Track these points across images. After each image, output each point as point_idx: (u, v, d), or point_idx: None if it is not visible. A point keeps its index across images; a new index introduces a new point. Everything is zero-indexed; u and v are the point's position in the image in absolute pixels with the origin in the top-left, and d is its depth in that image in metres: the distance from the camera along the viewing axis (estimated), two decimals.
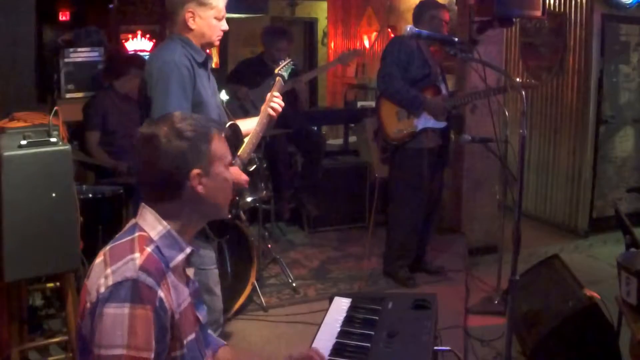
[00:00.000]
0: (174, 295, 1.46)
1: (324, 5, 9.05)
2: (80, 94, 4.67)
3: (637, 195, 5.37)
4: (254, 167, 2.86)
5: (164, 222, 1.51)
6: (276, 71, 2.72)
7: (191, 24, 2.42)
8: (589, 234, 5.28)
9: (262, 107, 2.61)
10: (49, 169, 2.39)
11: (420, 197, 4.22)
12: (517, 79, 5.47)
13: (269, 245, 4.59)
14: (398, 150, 4.22)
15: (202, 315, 1.63)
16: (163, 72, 2.34)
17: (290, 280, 4.23)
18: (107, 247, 1.48)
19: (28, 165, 2.35)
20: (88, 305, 1.40)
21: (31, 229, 2.36)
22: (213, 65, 2.70)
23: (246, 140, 2.58)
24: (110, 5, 6.75)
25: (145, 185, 1.53)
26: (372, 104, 5.80)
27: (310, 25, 9.47)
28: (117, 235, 1.52)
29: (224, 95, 4.79)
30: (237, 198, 2.49)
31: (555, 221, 5.57)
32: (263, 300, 3.91)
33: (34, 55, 3.63)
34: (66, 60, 4.67)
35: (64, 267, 2.51)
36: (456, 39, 2.55)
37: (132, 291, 1.36)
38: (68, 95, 4.68)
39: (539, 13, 3.86)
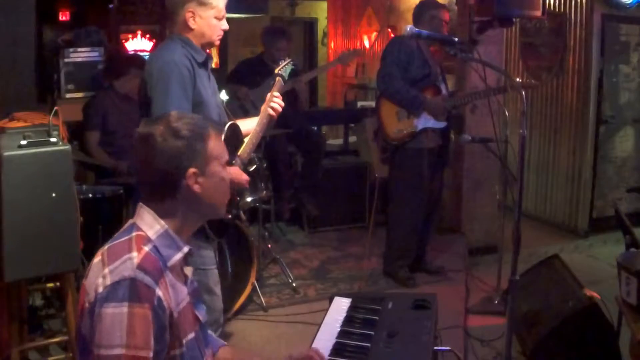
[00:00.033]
0: (172, 294, 1.46)
1: (324, 5, 9.04)
2: (80, 94, 4.68)
3: (637, 195, 5.36)
4: (254, 167, 2.85)
5: (162, 222, 1.51)
6: (276, 71, 2.72)
7: (191, 23, 2.42)
8: (589, 234, 5.28)
9: (262, 107, 2.61)
10: (49, 169, 2.39)
11: (420, 197, 4.22)
12: (517, 79, 5.46)
13: (269, 245, 4.59)
14: (398, 150, 4.22)
15: (201, 314, 1.63)
16: (163, 72, 2.34)
17: (290, 280, 4.23)
18: (105, 247, 1.48)
19: (28, 165, 2.35)
20: (87, 305, 1.41)
21: (31, 229, 2.35)
22: (213, 65, 2.70)
23: (246, 140, 2.57)
24: (110, 5, 6.74)
25: (143, 185, 1.54)
26: (372, 104, 5.80)
27: (310, 25, 9.46)
28: (115, 235, 1.53)
29: (224, 95, 4.79)
30: (237, 198, 2.49)
31: (555, 221, 5.56)
32: (263, 300, 3.91)
33: (34, 55, 3.62)
34: (66, 60, 4.68)
35: (64, 267, 2.51)
36: (456, 39, 2.55)
37: (130, 290, 1.36)
38: (68, 95, 4.68)
39: (539, 13, 3.86)
